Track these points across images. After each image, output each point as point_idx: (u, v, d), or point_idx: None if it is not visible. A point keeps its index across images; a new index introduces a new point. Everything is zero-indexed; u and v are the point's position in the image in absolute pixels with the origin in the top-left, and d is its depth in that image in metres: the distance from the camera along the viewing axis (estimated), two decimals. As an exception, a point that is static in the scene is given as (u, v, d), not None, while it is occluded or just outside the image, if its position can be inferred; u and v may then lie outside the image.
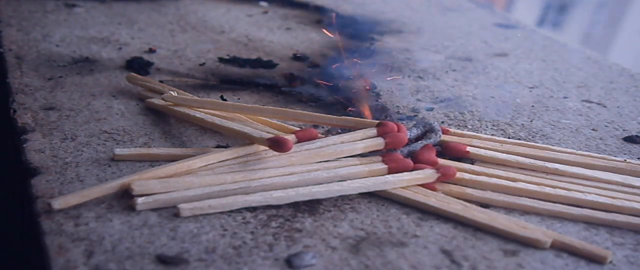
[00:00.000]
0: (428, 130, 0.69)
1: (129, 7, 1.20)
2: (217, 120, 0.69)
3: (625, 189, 0.64)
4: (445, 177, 0.61)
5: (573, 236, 0.56)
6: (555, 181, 0.64)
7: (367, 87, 0.81)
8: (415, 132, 0.68)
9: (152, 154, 0.64)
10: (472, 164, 0.66)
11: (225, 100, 0.80)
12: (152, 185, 0.56)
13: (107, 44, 0.99)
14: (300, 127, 0.71)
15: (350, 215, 0.57)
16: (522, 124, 0.81)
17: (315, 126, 0.72)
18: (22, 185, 0.60)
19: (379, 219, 0.57)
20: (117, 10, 1.17)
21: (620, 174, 0.66)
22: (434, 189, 0.61)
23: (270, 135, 0.62)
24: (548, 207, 0.60)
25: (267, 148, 0.62)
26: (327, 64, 0.97)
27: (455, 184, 0.62)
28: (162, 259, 0.49)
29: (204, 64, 0.95)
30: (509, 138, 0.76)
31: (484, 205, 0.60)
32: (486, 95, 0.90)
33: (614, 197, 0.61)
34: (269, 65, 0.96)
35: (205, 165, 0.61)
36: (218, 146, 0.68)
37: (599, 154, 0.72)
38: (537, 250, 0.54)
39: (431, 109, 0.83)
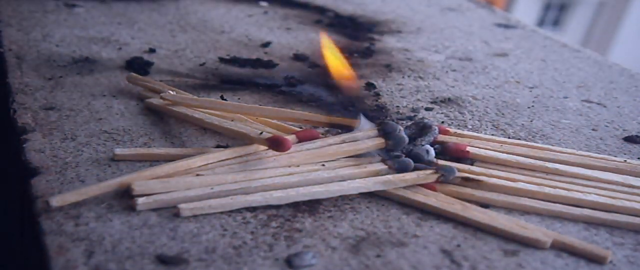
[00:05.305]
0: (424, 127, 0.69)
1: (129, 7, 1.20)
2: (217, 120, 0.69)
3: (625, 189, 0.64)
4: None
5: (573, 236, 0.56)
6: (555, 181, 0.64)
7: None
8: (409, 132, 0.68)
9: (152, 154, 0.64)
10: (472, 164, 0.66)
11: (226, 100, 0.80)
12: (152, 185, 0.56)
13: (107, 44, 0.99)
14: (301, 127, 0.71)
15: (350, 215, 0.57)
16: (522, 124, 0.81)
17: (316, 126, 0.72)
18: (22, 185, 0.60)
19: (379, 219, 0.57)
20: (117, 10, 1.17)
21: (620, 174, 0.66)
22: (434, 189, 0.61)
23: (270, 135, 0.62)
24: (548, 207, 0.60)
25: (267, 148, 0.62)
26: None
27: (455, 184, 0.62)
28: (162, 259, 0.49)
29: (204, 64, 0.95)
30: (509, 138, 0.76)
31: (484, 205, 0.60)
32: (486, 95, 0.90)
33: (614, 197, 0.61)
34: (269, 65, 0.96)
35: (205, 165, 0.61)
36: (218, 146, 0.68)
37: (599, 154, 0.72)
38: (537, 250, 0.54)
39: (431, 109, 0.83)
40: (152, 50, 0.98)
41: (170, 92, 0.75)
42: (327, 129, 0.71)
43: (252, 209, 0.56)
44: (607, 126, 0.82)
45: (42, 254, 0.49)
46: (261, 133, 0.64)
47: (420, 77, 0.96)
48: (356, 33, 1.18)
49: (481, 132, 0.77)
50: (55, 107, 0.74)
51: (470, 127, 0.79)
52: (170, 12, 1.20)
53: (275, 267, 0.49)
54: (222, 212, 0.55)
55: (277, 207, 0.57)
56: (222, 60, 0.97)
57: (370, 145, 0.65)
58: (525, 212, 0.60)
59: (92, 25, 1.07)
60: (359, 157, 0.65)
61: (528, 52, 1.14)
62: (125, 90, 0.81)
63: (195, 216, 0.55)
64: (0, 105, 0.81)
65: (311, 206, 0.58)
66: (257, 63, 0.96)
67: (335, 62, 0.78)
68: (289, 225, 0.55)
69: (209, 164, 0.61)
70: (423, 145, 0.66)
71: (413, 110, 0.83)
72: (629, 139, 0.78)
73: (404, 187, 0.60)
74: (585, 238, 0.57)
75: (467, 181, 0.62)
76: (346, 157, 0.64)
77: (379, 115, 0.79)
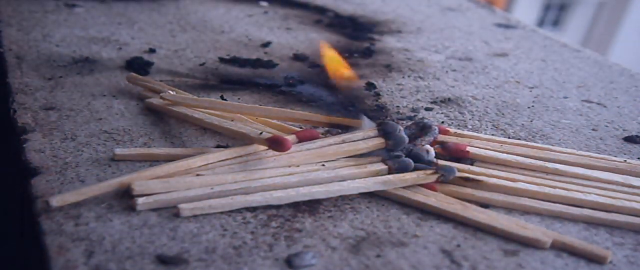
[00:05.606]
0: (424, 127, 0.69)
1: (129, 7, 1.20)
2: (217, 120, 0.69)
3: (626, 189, 0.64)
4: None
5: (573, 236, 0.56)
6: (555, 181, 0.64)
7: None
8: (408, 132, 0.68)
9: (152, 154, 0.64)
10: (472, 164, 0.66)
11: (226, 100, 0.80)
12: (152, 185, 0.56)
13: (107, 44, 0.99)
14: (301, 127, 0.71)
15: (350, 215, 0.57)
16: (522, 124, 0.81)
17: (316, 126, 0.72)
18: (22, 185, 0.60)
19: (379, 219, 0.57)
20: (117, 10, 1.17)
21: (620, 174, 0.66)
22: (434, 189, 0.61)
23: (270, 135, 0.62)
24: (548, 207, 0.60)
25: (267, 148, 0.62)
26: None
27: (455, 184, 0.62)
28: (162, 259, 0.49)
29: (204, 64, 0.95)
30: (509, 138, 0.76)
31: (484, 205, 0.60)
32: (486, 95, 0.90)
33: (614, 197, 0.61)
34: (269, 65, 0.96)
35: (205, 165, 0.61)
36: (218, 146, 0.68)
37: (599, 154, 0.72)
38: (537, 250, 0.54)
39: (431, 109, 0.83)
40: (152, 50, 0.98)
41: (170, 92, 0.75)
42: (327, 129, 0.71)
43: (252, 209, 0.56)
44: (607, 126, 0.82)
45: (42, 254, 0.49)
46: (261, 133, 0.64)
47: (420, 77, 0.96)
48: (356, 33, 1.18)
49: (481, 132, 0.77)
50: (55, 107, 0.74)
51: (470, 127, 0.79)
52: (170, 12, 1.20)
53: (275, 267, 0.49)
54: (222, 212, 0.55)
55: (277, 207, 0.57)
56: (222, 60, 0.97)
57: (370, 145, 0.65)
58: (525, 212, 0.60)
59: (92, 25, 1.07)
60: (359, 157, 0.65)
61: (528, 52, 1.14)
62: (125, 90, 0.81)
63: (195, 216, 0.55)
64: (0, 105, 0.81)
65: (311, 206, 0.58)
66: (257, 63, 0.96)
67: (335, 64, 0.78)
68: (289, 225, 0.55)
69: (209, 164, 0.61)
70: (423, 145, 0.66)
71: (413, 110, 0.83)
72: (629, 139, 0.78)
73: (404, 187, 0.60)
74: (585, 238, 0.57)
75: (467, 181, 0.62)
76: (346, 157, 0.64)
77: (379, 115, 0.79)
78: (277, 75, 0.92)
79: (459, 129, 0.77)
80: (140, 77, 0.82)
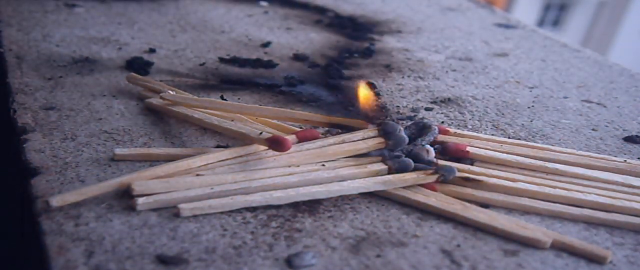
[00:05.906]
0: (424, 127, 0.69)
1: (129, 7, 1.20)
2: (217, 120, 0.69)
3: (626, 189, 0.64)
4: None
5: (573, 236, 0.56)
6: (555, 181, 0.64)
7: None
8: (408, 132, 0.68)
9: (152, 153, 0.64)
10: (472, 164, 0.66)
11: (226, 100, 0.80)
12: (152, 185, 0.56)
13: (107, 44, 0.99)
14: (301, 127, 0.71)
15: (350, 215, 0.57)
16: (522, 124, 0.81)
17: (316, 126, 0.72)
18: (22, 185, 0.60)
19: (379, 219, 0.57)
20: (117, 10, 1.17)
21: (620, 174, 0.66)
22: (434, 189, 0.61)
23: (270, 135, 0.62)
24: (548, 207, 0.60)
25: (267, 148, 0.62)
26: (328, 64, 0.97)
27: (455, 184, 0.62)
28: (162, 259, 0.49)
29: (204, 64, 0.95)
30: (509, 138, 0.76)
31: (484, 205, 0.60)
32: (486, 95, 0.90)
33: (614, 197, 0.61)
34: (269, 65, 0.96)
35: (205, 165, 0.61)
36: (218, 146, 0.68)
37: (599, 154, 0.72)
38: (537, 250, 0.54)
39: (431, 109, 0.83)
40: (152, 50, 0.98)
41: (170, 92, 0.75)
42: (327, 129, 0.71)
43: (252, 209, 0.56)
44: (607, 126, 0.82)
45: (42, 254, 0.49)
46: (261, 133, 0.64)
47: (420, 77, 0.96)
48: (356, 33, 1.18)
49: (481, 132, 0.77)
50: (55, 107, 0.74)
51: (470, 127, 0.79)
52: (170, 12, 1.20)
53: (275, 267, 0.49)
54: (222, 212, 0.55)
55: (277, 207, 0.57)
56: (222, 60, 0.97)
57: (370, 145, 0.65)
58: (525, 212, 0.60)
59: (92, 25, 1.07)
60: (359, 157, 0.65)
61: (528, 52, 1.14)
62: (125, 90, 0.81)
63: (195, 216, 0.55)
64: (0, 105, 0.81)
65: (311, 206, 0.58)
66: (257, 63, 0.96)
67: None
68: (289, 225, 0.55)
69: (209, 164, 0.61)
70: (423, 145, 0.66)
71: (413, 110, 0.83)
72: (629, 139, 0.78)
73: (404, 187, 0.60)
74: (585, 238, 0.57)
75: (467, 181, 0.62)
76: (346, 157, 0.64)
77: (379, 115, 0.79)
78: (277, 75, 0.92)
79: (459, 129, 0.77)
80: (140, 77, 0.82)
